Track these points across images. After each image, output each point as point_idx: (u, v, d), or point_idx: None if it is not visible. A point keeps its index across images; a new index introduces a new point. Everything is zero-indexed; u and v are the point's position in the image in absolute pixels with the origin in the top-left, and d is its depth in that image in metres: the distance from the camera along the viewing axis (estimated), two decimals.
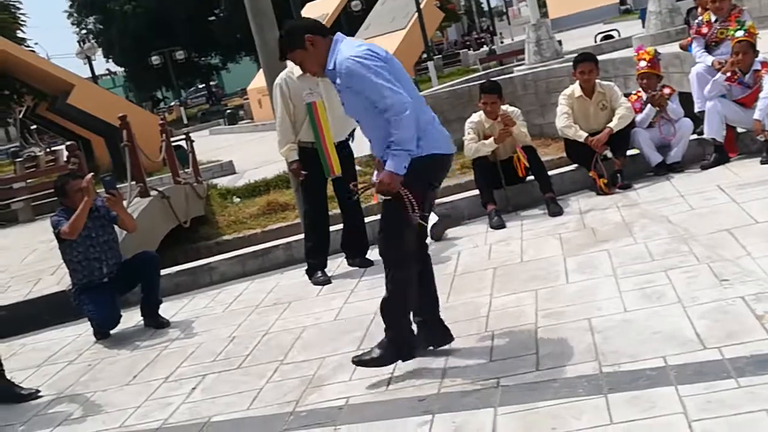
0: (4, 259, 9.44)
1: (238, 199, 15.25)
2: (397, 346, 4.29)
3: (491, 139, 7.19)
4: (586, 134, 7.25)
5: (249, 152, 22.67)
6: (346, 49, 4.14)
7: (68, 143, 11.44)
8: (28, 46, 23.94)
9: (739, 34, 7.21)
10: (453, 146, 4.41)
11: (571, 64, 7.81)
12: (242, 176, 17.91)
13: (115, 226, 6.44)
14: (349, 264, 6.81)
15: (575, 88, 7.48)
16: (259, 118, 33.05)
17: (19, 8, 24.23)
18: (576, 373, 3.83)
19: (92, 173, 6.68)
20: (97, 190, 6.56)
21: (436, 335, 4.46)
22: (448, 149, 4.32)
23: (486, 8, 75.95)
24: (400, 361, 4.33)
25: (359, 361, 4.34)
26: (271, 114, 25.94)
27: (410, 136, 4.05)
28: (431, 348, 4.44)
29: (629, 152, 7.45)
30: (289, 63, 6.84)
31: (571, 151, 7.60)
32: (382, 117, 4.05)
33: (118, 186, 6.49)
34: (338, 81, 4.16)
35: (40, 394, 5.26)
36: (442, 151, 4.26)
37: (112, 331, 6.28)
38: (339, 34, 4.29)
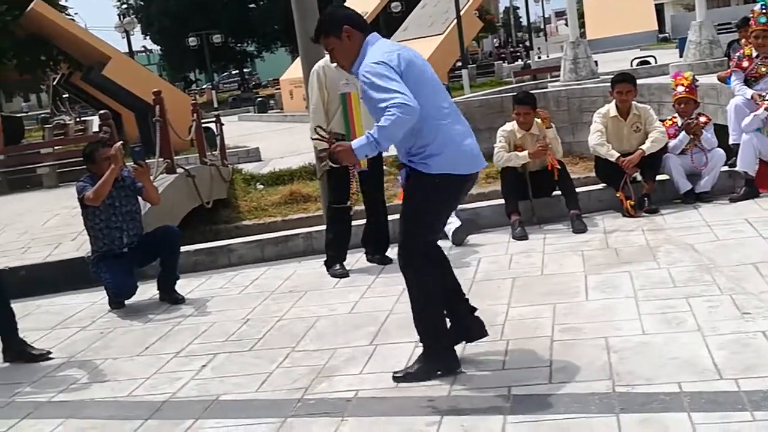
0: (26, 221, 9.49)
1: (262, 186, 15.28)
2: (433, 360, 4.17)
3: (525, 153, 7.16)
4: (617, 154, 7.22)
5: (276, 141, 22.72)
6: (371, 54, 4.01)
7: (101, 112, 11.47)
8: (69, 15, 24.11)
9: None
10: (478, 164, 4.17)
11: (606, 85, 7.78)
12: (267, 164, 17.94)
13: (140, 199, 6.47)
14: (368, 260, 6.80)
15: (611, 108, 7.44)
16: (289, 108, 33.14)
17: None
18: (589, 390, 3.79)
19: (122, 142, 6.70)
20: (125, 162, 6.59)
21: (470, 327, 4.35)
22: (466, 169, 4.10)
23: (524, 23, 75.85)
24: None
25: (397, 377, 4.20)
26: (301, 105, 25.97)
27: (392, 135, 3.83)
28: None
29: (659, 177, 7.40)
30: None
31: (600, 170, 7.56)
32: None
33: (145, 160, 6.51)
34: (360, 85, 4.10)
35: (50, 356, 5.29)
36: (459, 171, 4.06)
37: (126, 302, 6.30)
38: (372, 36, 4.15)
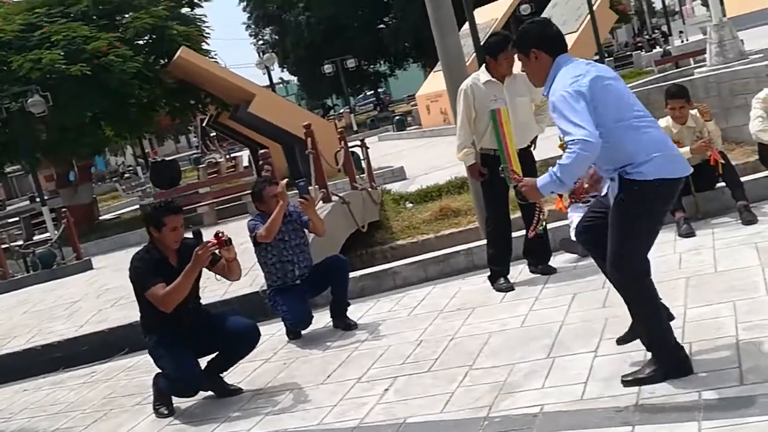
0: None
1: (411, 205, 15.44)
2: (664, 363, 4.10)
3: (686, 149, 6.98)
4: None
5: (418, 158, 22.91)
6: (561, 78, 4.07)
7: (261, 151, 12.01)
8: (212, 58, 25.12)
9: None
10: (686, 167, 4.15)
11: (757, 65, 7.49)
12: (413, 182, 18.13)
13: (306, 231, 6.71)
14: (531, 271, 6.79)
15: None
16: (427, 124, 33.32)
17: (204, 21, 25.36)
18: None
19: (286, 179, 6.98)
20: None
21: None
22: (680, 172, 4.08)
23: (657, 8, 73.42)
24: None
25: (627, 382, 4.14)
26: (439, 120, 26.06)
27: (574, 172, 3.97)
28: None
29: None
30: (476, 71, 6.94)
31: (765, 156, 7.28)
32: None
33: None
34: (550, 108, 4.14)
35: (242, 390, 5.56)
36: (674, 174, 4.05)
37: (303, 332, 6.54)
38: (562, 57, 4.18)
